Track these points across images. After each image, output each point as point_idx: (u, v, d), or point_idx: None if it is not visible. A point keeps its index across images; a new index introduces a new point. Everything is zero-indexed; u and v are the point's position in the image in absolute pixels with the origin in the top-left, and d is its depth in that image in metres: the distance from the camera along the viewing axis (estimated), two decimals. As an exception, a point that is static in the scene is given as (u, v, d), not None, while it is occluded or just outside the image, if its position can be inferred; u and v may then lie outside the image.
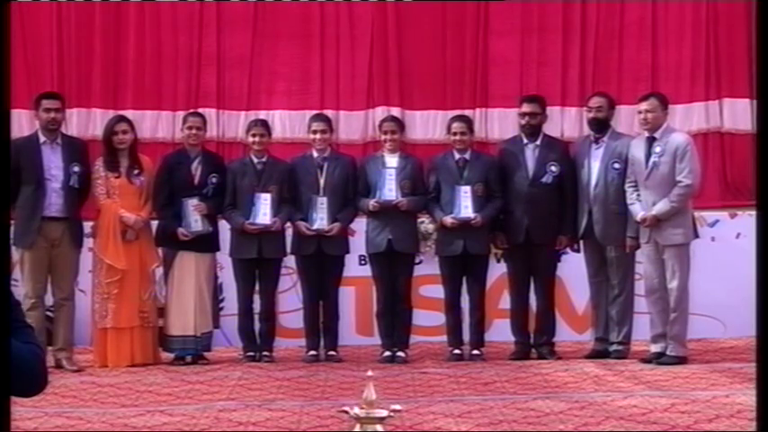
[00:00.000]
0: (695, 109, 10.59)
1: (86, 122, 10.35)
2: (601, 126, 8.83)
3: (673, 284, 8.40)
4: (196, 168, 8.90)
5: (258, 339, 9.00)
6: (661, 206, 8.35)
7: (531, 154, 8.91)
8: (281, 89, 10.63)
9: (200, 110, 10.02)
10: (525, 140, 8.96)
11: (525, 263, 8.94)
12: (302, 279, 9.14)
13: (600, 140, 8.81)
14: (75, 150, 8.77)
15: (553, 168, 8.76)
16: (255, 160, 8.98)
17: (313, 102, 10.48)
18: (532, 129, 8.93)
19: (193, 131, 8.96)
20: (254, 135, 9.00)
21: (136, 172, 8.77)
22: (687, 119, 10.57)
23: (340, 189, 8.94)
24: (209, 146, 9.73)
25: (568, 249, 9.08)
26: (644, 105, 8.56)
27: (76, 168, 8.63)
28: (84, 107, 10.39)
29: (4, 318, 2.95)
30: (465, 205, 8.77)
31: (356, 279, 9.50)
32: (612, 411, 6.82)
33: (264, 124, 9.22)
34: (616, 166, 8.67)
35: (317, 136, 8.98)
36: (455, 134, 8.95)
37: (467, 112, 9.94)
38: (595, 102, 8.93)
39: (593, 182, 8.74)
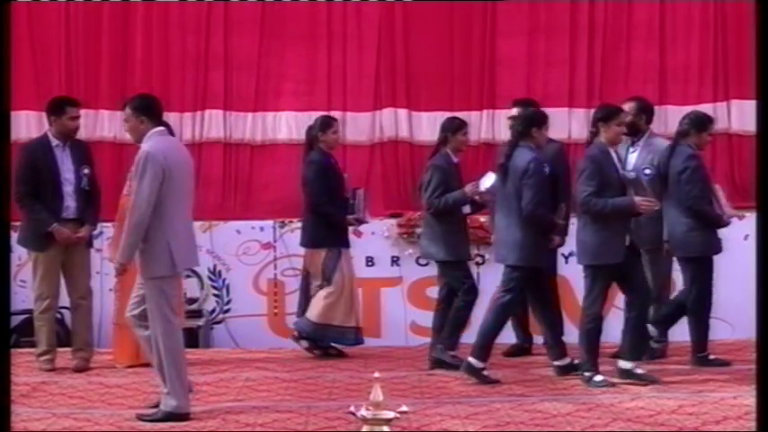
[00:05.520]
0: (703, 110, 10.55)
1: (94, 124, 10.36)
2: (634, 131, 8.78)
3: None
4: None
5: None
6: None
7: None
8: (289, 90, 10.62)
9: (208, 111, 10.00)
10: None
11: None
12: None
13: (635, 144, 8.79)
14: (83, 153, 8.75)
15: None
16: (455, 160, 8.68)
17: (320, 103, 10.47)
18: None
19: None
20: (465, 134, 8.72)
21: None
22: (695, 120, 10.55)
23: None
24: (216, 147, 9.72)
25: (573, 249, 9.05)
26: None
27: (86, 170, 8.64)
28: (91, 109, 10.39)
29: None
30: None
31: (362, 280, 9.49)
32: (620, 413, 6.81)
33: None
34: (647, 172, 8.63)
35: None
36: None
37: (474, 113, 9.87)
38: (627, 107, 8.86)
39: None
